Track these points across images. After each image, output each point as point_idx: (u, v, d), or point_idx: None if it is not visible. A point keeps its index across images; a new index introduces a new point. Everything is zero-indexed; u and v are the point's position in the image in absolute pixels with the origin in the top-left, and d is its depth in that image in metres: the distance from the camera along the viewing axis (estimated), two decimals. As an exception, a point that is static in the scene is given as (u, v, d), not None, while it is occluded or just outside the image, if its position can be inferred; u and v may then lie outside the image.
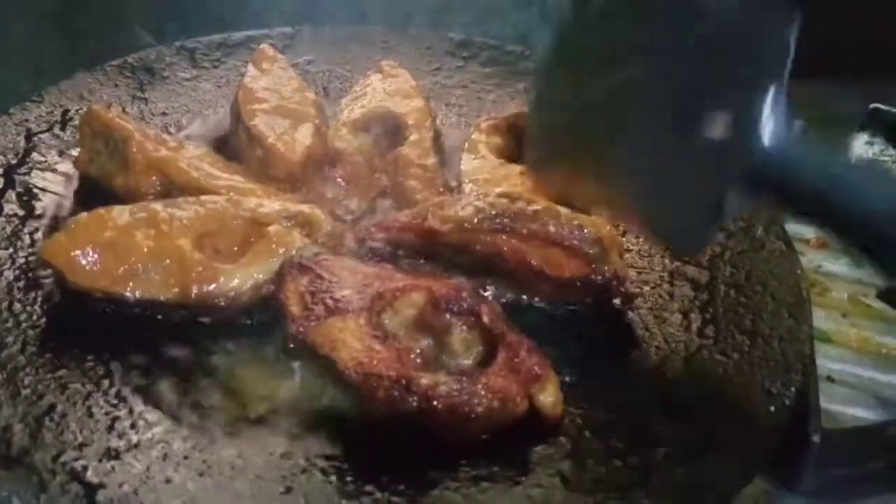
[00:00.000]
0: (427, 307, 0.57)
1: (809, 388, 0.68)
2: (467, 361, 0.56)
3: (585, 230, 0.62)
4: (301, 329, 0.56)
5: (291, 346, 0.57)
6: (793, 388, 0.58)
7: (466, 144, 0.76)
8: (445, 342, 0.56)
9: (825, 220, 0.50)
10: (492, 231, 0.63)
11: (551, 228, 0.63)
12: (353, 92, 0.81)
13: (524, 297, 0.64)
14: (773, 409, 0.57)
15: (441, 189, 0.73)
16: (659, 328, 0.63)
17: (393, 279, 0.60)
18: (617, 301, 0.63)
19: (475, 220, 0.64)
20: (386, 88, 0.80)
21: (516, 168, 0.73)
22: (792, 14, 0.46)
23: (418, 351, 0.56)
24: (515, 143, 0.75)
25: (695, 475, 0.52)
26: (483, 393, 0.52)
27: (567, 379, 0.57)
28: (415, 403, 0.52)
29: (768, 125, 0.45)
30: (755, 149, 0.45)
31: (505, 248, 0.63)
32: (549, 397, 0.54)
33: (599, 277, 0.62)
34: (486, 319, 0.56)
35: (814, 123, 1.00)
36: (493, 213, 0.64)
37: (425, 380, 0.52)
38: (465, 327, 0.56)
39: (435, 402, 0.51)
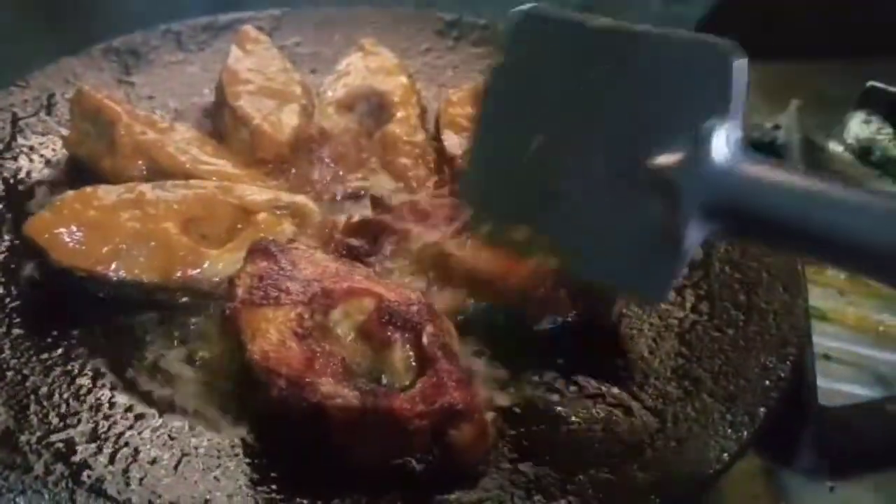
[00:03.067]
0: (373, 315, 0.54)
1: (806, 364, 0.67)
2: (406, 383, 0.52)
3: None
4: (232, 310, 0.55)
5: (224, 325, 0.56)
6: (788, 362, 0.58)
7: (443, 120, 0.75)
8: (386, 357, 0.53)
9: (793, 246, 0.49)
10: None
11: None
12: (336, 71, 0.80)
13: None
14: (767, 382, 0.56)
15: (431, 165, 0.72)
16: (653, 307, 0.63)
17: (349, 279, 0.57)
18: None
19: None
20: (368, 66, 0.80)
21: None
22: (731, 58, 0.44)
23: (341, 358, 0.52)
24: None
25: (689, 449, 0.52)
26: (382, 416, 0.49)
27: (559, 361, 0.56)
28: (305, 410, 0.49)
29: (720, 155, 0.43)
30: (707, 181, 0.43)
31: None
32: (461, 435, 0.50)
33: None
34: (424, 339, 0.52)
35: (810, 102, 1.00)
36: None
37: (325, 388, 0.50)
38: (407, 345, 0.53)
39: (327, 413, 0.49)
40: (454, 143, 0.72)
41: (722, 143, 0.43)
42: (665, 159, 0.45)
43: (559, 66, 0.50)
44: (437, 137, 0.75)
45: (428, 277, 0.62)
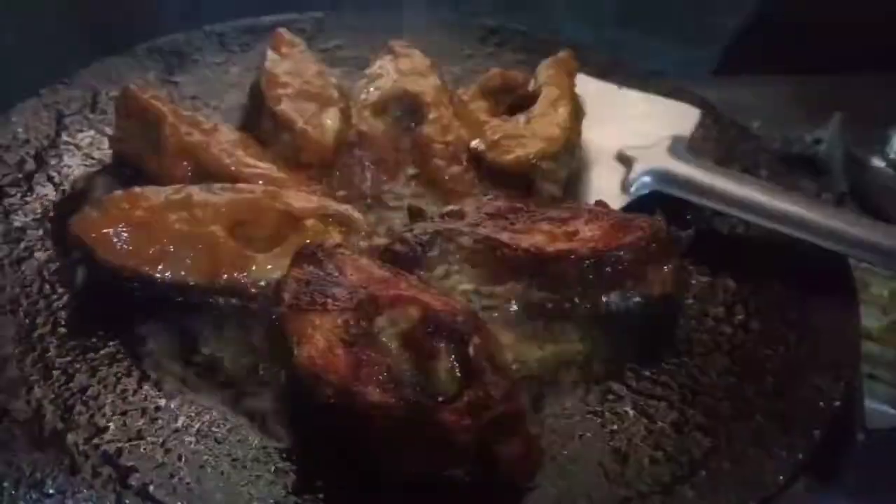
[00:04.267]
0: (419, 324, 0.53)
1: (854, 385, 0.66)
2: (450, 394, 0.51)
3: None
4: (280, 315, 0.55)
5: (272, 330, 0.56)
6: (842, 384, 0.57)
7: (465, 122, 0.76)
8: (431, 367, 0.52)
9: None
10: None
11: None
12: (367, 75, 0.80)
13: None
14: (821, 404, 0.55)
15: (465, 163, 0.72)
16: (701, 323, 0.62)
17: (395, 286, 0.56)
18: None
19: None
20: (399, 68, 0.79)
21: (521, 117, 0.75)
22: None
23: (387, 367, 0.51)
24: (499, 95, 0.79)
25: (741, 471, 0.51)
26: (428, 427, 0.48)
27: (605, 374, 0.55)
28: (351, 419, 0.49)
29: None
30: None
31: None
32: (508, 450, 0.49)
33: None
34: (471, 351, 0.51)
35: (853, 116, 0.99)
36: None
37: (372, 397, 0.49)
38: (452, 356, 0.52)
39: (373, 423, 0.48)
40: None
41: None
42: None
43: None
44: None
45: (477, 275, 0.61)
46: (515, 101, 0.79)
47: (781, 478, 0.50)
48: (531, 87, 0.79)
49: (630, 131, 0.77)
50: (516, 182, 0.71)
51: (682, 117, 0.79)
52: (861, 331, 0.65)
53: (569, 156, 0.73)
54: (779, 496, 0.50)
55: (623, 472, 0.50)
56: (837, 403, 0.55)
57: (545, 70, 0.79)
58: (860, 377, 0.69)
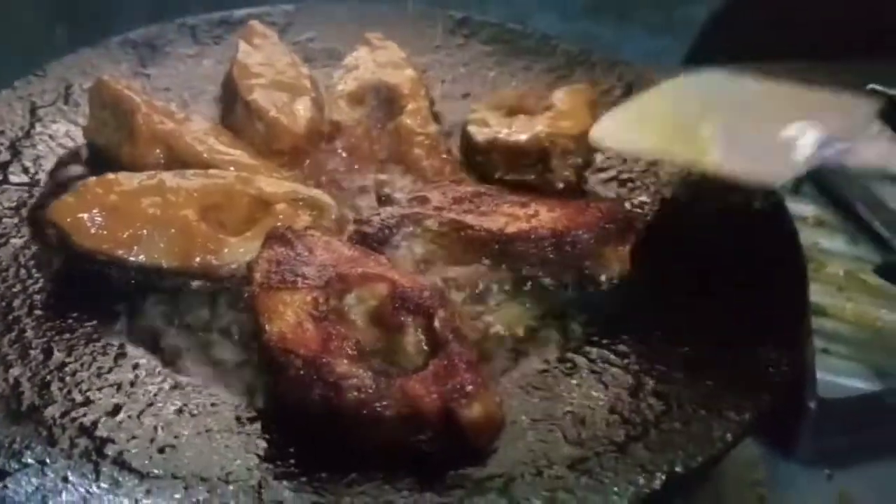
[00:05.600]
0: (387, 300, 0.56)
1: (806, 356, 0.69)
2: (418, 365, 0.54)
3: None
4: (251, 293, 0.56)
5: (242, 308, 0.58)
6: (790, 352, 0.59)
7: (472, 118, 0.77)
8: (398, 341, 0.55)
9: None
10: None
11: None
12: (344, 66, 0.82)
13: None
14: (770, 370, 0.58)
15: (444, 155, 0.74)
16: (657, 297, 0.64)
17: (363, 265, 0.58)
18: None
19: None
20: (376, 60, 0.81)
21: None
22: None
23: (356, 341, 0.53)
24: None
25: (691, 430, 0.53)
26: (396, 396, 0.50)
27: (564, 342, 0.58)
28: (320, 390, 0.51)
29: None
30: None
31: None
32: (471, 414, 0.51)
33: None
34: (436, 323, 0.54)
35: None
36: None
37: (341, 368, 0.51)
38: (418, 330, 0.55)
39: (342, 393, 0.50)
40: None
41: None
42: None
43: None
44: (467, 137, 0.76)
45: (443, 257, 0.64)
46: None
47: (730, 436, 0.53)
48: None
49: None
50: (531, 164, 0.72)
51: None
52: (810, 303, 0.68)
53: (586, 147, 0.72)
54: (727, 454, 0.53)
55: (580, 434, 0.53)
56: (786, 370, 0.58)
57: (563, 94, 0.78)
58: (812, 348, 0.71)
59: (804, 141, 0.65)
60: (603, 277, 0.65)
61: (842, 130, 0.65)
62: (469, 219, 0.65)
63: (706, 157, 0.65)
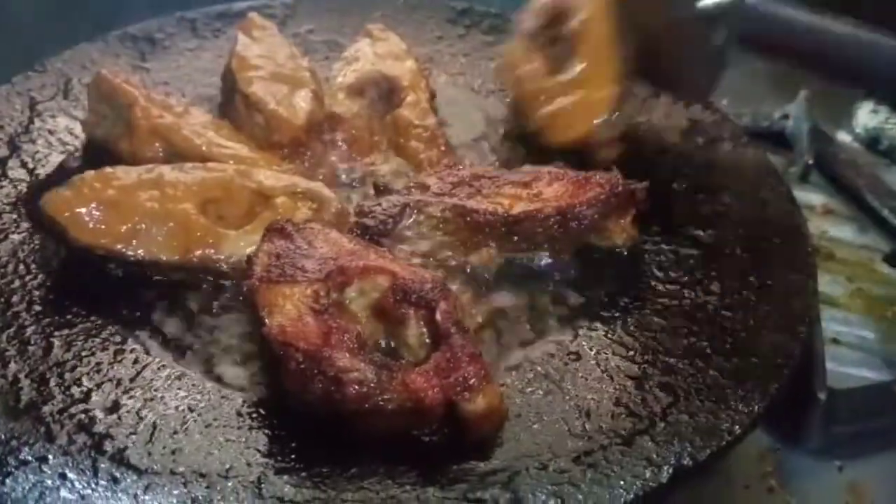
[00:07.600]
0: (388, 293, 0.55)
1: (815, 346, 0.68)
2: (420, 358, 0.53)
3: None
4: (250, 287, 0.56)
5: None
6: (798, 341, 0.58)
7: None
8: (400, 334, 0.55)
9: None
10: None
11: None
12: (344, 57, 0.81)
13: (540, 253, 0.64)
14: (778, 361, 0.57)
15: (442, 147, 0.73)
16: (664, 285, 0.63)
17: (364, 257, 0.58)
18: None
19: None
20: (377, 52, 0.80)
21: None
22: None
23: (356, 333, 0.53)
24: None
25: (698, 423, 0.52)
26: (397, 389, 0.50)
27: (571, 335, 0.57)
28: (321, 384, 0.50)
29: None
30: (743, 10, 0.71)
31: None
32: (474, 407, 0.50)
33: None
34: (438, 316, 0.54)
35: (819, 93, 1.00)
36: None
37: (342, 362, 0.51)
38: (420, 322, 0.54)
39: (344, 387, 0.50)
40: None
41: None
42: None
43: None
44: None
45: (448, 243, 0.63)
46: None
47: (738, 428, 0.52)
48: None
49: None
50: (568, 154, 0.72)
51: None
52: (818, 293, 0.67)
53: (620, 110, 0.73)
54: (735, 446, 0.52)
55: (585, 427, 0.52)
56: (794, 361, 0.57)
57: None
58: (821, 338, 0.70)
59: None
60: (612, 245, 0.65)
61: None
62: (472, 203, 0.64)
63: None
